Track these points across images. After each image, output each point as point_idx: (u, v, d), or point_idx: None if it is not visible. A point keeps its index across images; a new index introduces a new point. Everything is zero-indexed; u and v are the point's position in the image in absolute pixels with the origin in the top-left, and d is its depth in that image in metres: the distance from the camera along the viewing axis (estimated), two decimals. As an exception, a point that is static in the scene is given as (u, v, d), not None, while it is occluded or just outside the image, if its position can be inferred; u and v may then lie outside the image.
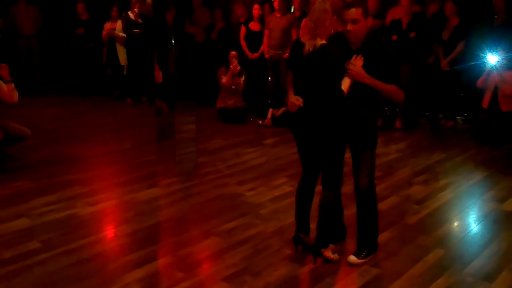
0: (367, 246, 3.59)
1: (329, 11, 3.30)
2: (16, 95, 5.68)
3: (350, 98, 3.39)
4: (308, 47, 3.33)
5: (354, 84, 3.36)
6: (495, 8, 7.12)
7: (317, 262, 3.54)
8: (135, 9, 9.22)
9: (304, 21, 7.66)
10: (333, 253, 3.58)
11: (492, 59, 6.69)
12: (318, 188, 3.65)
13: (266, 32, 8.13)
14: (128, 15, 9.28)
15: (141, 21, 9.28)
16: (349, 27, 3.33)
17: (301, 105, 3.40)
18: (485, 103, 6.85)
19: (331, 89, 3.31)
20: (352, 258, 3.55)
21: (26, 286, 3.23)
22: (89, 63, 10.10)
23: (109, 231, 4.20)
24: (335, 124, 3.39)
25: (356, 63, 3.33)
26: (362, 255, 3.56)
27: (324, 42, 3.32)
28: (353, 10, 3.31)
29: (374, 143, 3.55)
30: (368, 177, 3.51)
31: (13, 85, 5.63)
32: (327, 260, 3.54)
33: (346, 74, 3.33)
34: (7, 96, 5.59)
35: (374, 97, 3.50)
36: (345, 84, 3.33)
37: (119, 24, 9.61)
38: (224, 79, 7.98)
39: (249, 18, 8.50)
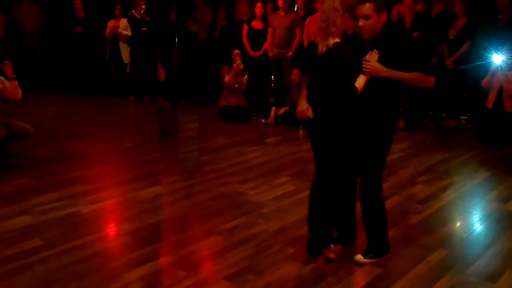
0: (374, 248, 3.56)
1: (338, 9, 3.25)
2: (19, 92, 5.68)
3: (366, 102, 3.32)
4: (321, 47, 3.30)
5: (372, 87, 3.28)
6: (499, 7, 7.10)
7: (318, 262, 3.53)
8: (142, 6, 9.19)
9: (308, 20, 7.66)
10: (334, 252, 3.56)
11: (497, 59, 6.67)
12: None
13: (269, 30, 8.12)
14: (134, 14, 9.26)
15: (148, 19, 9.26)
16: (361, 23, 3.26)
17: (311, 116, 3.36)
18: (490, 103, 6.83)
19: (345, 87, 3.26)
20: (359, 257, 3.54)
21: (28, 283, 3.23)
22: (89, 61, 10.09)
23: (111, 229, 4.19)
24: (348, 124, 3.35)
25: (371, 59, 3.24)
26: (369, 256, 3.54)
27: (337, 40, 3.28)
28: (364, 5, 3.24)
29: (381, 149, 3.44)
30: (366, 183, 3.45)
31: (16, 82, 5.63)
32: (328, 260, 3.53)
33: (361, 72, 3.26)
34: (10, 94, 5.59)
35: (392, 101, 3.41)
36: (360, 81, 3.26)
37: (122, 22, 9.60)
38: (227, 78, 7.96)
39: (252, 17, 8.49)
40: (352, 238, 3.78)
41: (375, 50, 3.26)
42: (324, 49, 3.28)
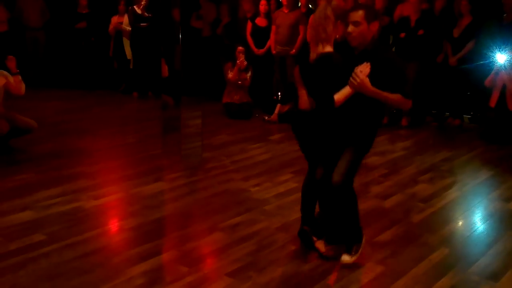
0: (353, 240, 3.50)
1: (330, 16, 3.27)
2: (23, 87, 5.70)
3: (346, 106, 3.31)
4: (312, 54, 3.31)
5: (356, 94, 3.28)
6: (504, 6, 7.09)
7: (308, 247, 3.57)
8: (142, 2, 9.19)
9: (311, 17, 7.64)
10: (325, 247, 3.56)
11: (501, 58, 6.67)
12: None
13: (273, 27, 8.11)
14: (134, 9, 9.25)
15: (147, 15, 9.26)
16: (349, 29, 3.26)
17: (314, 106, 3.35)
18: (493, 102, 6.82)
19: (323, 97, 3.26)
20: (346, 258, 3.47)
21: (31, 278, 3.24)
22: (92, 56, 10.11)
23: (114, 225, 4.20)
24: (324, 129, 3.37)
25: (362, 74, 3.21)
26: (354, 250, 3.48)
27: (327, 50, 3.27)
28: (357, 12, 3.26)
29: (363, 147, 3.44)
30: (342, 176, 3.35)
31: (20, 77, 5.64)
32: (320, 254, 3.54)
33: (349, 84, 3.24)
34: (14, 88, 5.61)
35: (374, 102, 3.37)
36: (342, 93, 3.24)
37: (126, 18, 9.61)
38: (230, 74, 7.96)
39: (256, 14, 8.47)
40: (338, 238, 3.69)
41: (368, 63, 3.23)
42: (314, 57, 3.29)
